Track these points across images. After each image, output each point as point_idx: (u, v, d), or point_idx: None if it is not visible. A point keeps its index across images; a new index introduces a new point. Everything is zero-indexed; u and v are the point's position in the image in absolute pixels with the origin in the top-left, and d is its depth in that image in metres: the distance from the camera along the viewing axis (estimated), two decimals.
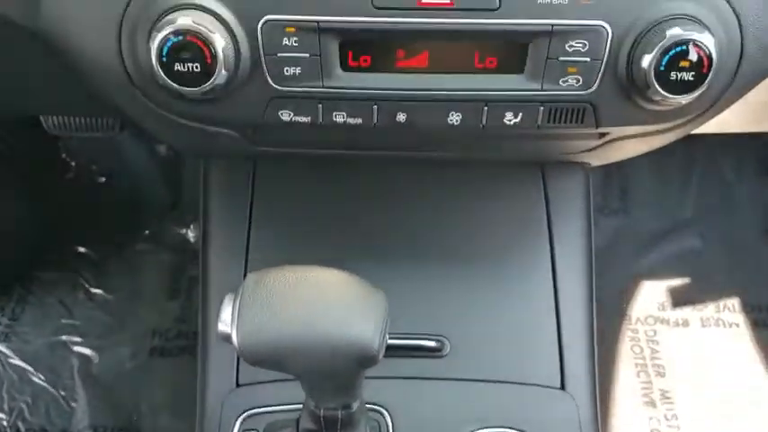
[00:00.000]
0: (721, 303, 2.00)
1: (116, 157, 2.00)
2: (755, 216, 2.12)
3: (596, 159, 1.27)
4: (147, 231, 2.08)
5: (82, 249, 2.04)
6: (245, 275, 0.91)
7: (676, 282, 2.04)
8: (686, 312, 2.00)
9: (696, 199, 2.14)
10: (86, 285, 1.99)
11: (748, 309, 1.99)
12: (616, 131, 1.04)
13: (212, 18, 0.89)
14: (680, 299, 2.02)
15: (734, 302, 2.00)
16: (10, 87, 1.29)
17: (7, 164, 1.90)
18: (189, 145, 1.27)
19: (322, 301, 0.82)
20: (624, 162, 1.30)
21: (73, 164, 2.08)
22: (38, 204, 2.03)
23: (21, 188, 1.98)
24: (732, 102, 1.01)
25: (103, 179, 2.09)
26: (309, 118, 0.98)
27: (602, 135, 1.06)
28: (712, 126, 1.12)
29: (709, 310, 1.99)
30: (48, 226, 2.05)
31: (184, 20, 0.87)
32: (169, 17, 0.88)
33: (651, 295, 2.02)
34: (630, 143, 1.11)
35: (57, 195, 2.07)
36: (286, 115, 0.98)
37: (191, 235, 2.06)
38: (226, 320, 0.82)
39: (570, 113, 0.96)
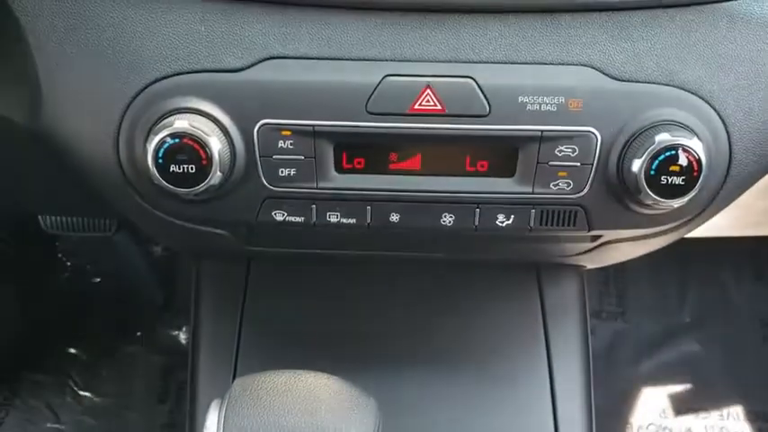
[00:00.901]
0: (725, 411, 1.95)
1: (111, 257, 2.00)
2: (754, 320, 2.10)
3: (591, 262, 1.26)
4: (138, 333, 2.05)
5: (72, 350, 2.01)
6: (233, 380, 0.89)
7: (677, 388, 2.00)
8: (689, 420, 1.95)
9: (694, 302, 2.13)
10: (75, 388, 1.95)
11: (752, 417, 1.94)
12: (609, 234, 1.04)
13: (209, 121, 0.90)
14: (682, 406, 1.98)
15: (737, 410, 1.95)
16: (9, 188, 1.31)
17: (1, 263, 1.90)
18: (182, 245, 1.28)
19: (310, 411, 0.79)
20: (621, 265, 1.30)
21: (68, 264, 2.08)
22: (29, 304, 2.01)
23: (13, 287, 1.96)
24: (724, 205, 1.02)
25: (98, 279, 2.08)
26: (303, 218, 0.98)
27: (596, 238, 1.06)
28: (706, 230, 1.13)
29: (712, 418, 1.94)
30: (38, 326, 2.02)
31: (181, 123, 0.89)
32: (167, 120, 0.89)
33: (652, 401, 1.98)
34: (625, 246, 1.11)
35: (49, 295, 2.06)
36: (279, 215, 0.98)
37: (182, 337, 2.03)
38: (211, 428, 0.79)
39: (562, 216, 0.97)
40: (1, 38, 0.98)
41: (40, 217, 1.55)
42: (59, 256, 2.09)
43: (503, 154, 0.94)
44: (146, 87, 0.91)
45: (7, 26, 0.94)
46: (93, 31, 0.91)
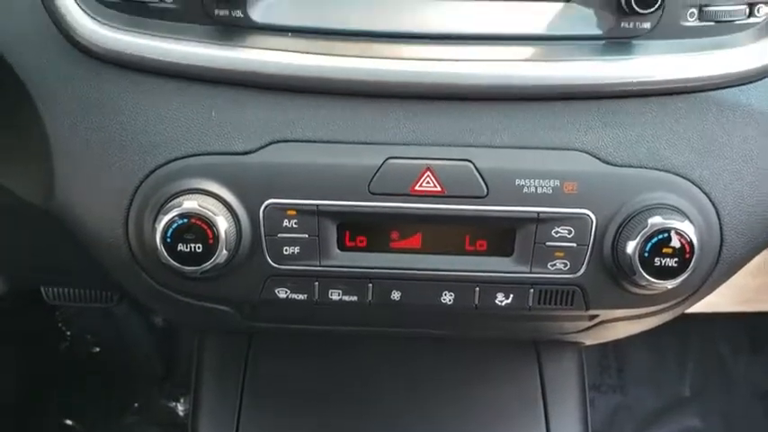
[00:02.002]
0: None
1: (112, 327, 2.00)
2: (754, 393, 2.09)
3: (589, 339, 1.28)
4: (136, 404, 2.03)
5: (69, 422, 1.99)
6: None
7: None
8: None
9: (693, 376, 2.12)
10: None
11: None
12: (606, 314, 1.06)
13: (216, 201, 0.93)
14: None
15: None
16: (14, 261, 1.33)
17: (1, 333, 1.90)
18: (185, 320, 1.29)
19: None
20: (620, 339, 1.31)
21: (68, 333, 2.08)
22: (28, 375, 2.00)
23: (11, 358, 1.96)
24: (717, 285, 1.04)
25: (98, 349, 2.08)
26: (306, 295, 1.00)
27: (593, 317, 1.08)
28: (703, 306, 1.14)
29: None
30: (35, 395, 2.01)
31: (190, 203, 0.92)
32: (175, 201, 0.92)
33: None
34: (622, 324, 1.13)
35: (48, 364, 2.05)
36: (283, 293, 1.00)
37: (180, 408, 2.01)
38: None
39: (560, 296, 0.99)
40: (17, 118, 1.02)
41: (42, 288, 1.56)
42: (59, 325, 2.09)
43: (501, 234, 0.97)
44: (156, 169, 0.94)
45: (23, 107, 0.98)
46: (108, 116, 0.95)
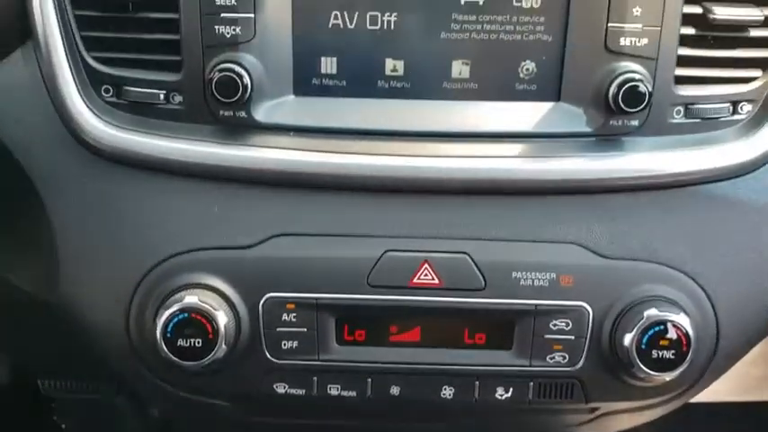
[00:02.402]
0: None
1: (108, 419, 1.97)
2: None
3: (592, 431, 1.26)
4: None
5: None
6: None
7: None
8: None
9: None
10: None
11: None
12: (606, 406, 1.06)
13: (217, 296, 0.95)
14: None
15: None
16: (12, 351, 1.33)
17: None
18: (183, 413, 1.28)
19: None
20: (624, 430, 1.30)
21: (63, 426, 2.04)
22: None
23: None
24: (717, 376, 1.04)
25: None
26: (304, 390, 1.00)
27: (594, 409, 1.07)
28: (705, 395, 1.14)
29: None
30: None
31: (191, 298, 0.93)
32: (177, 296, 0.94)
33: None
34: (623, 416, 1.12)
35: None
36: (281, 388, 1.00)
37: None
38: None
39: (559, 389, 0.99)
40: (23, 213, 1.04)
41: (39, 381, 1.55)
42: (54, 417, 2.05)
43: (500, 327, 0.98)
44: (159, 264, 0.96)
45: (30, 203, 1.01)
46: (113, 212, 0.98)
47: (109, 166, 0.97)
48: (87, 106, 0.97)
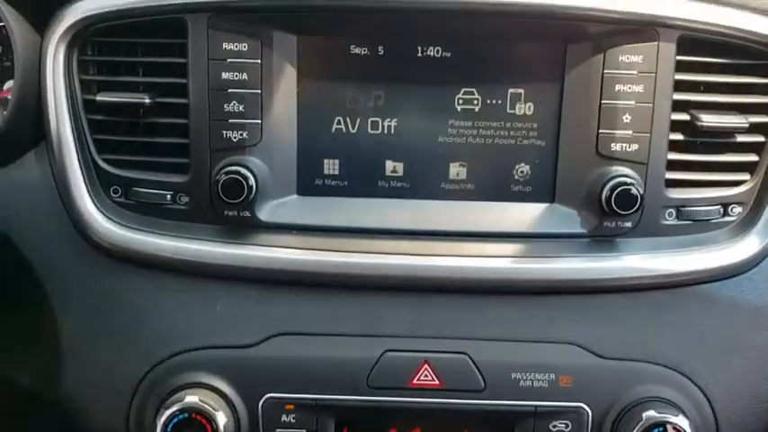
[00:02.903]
0: None
1: None
2: None
3: None
4: None
5: None
6: None
7: None
8: None
9: None
10: None
11: None
12: None
13: (217, 396, 0.95)
14: None
15: None
16: None
17: None
18: None
19: None
20: None
21: None
22: None
23: None
24: None
25: None
26: None
27: None
28: None
29: None
30: None
31: (192, 398, 0.93)
32: (177, 395, 0.94)
33: None
34: None
35: None
36: None
37: None
38: None
39: None
40: (29, 311, 1.05)
41: None
42: None
43: (500, 429, 0.98)
44: (160, 363, 0.97)
45: (36, 301, 1.02)
46: (118, 311, 0.99)
47: (115, 265, 0.99)
48: (97, 207, 1.00)
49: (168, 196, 1.00)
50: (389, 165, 1.03)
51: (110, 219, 1.00)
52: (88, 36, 0.99)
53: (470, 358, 0.96)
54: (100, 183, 1.01)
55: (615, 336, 0.97)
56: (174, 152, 1.00)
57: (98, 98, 0.98)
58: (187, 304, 0.98)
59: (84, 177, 1.00)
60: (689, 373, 0.97)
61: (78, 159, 0.99)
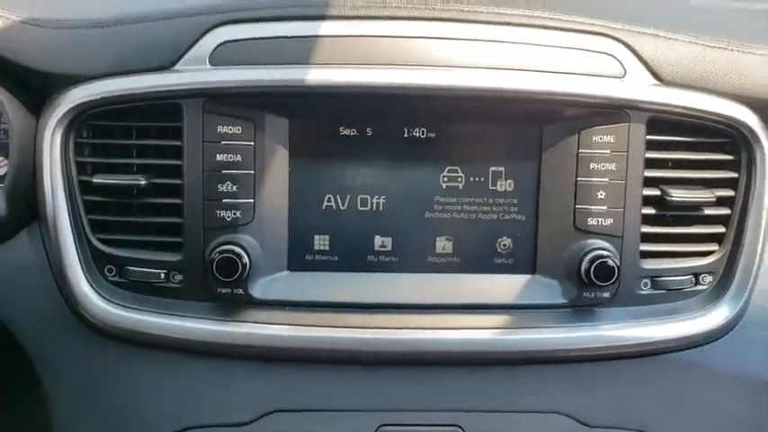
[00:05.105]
0: None
1: None
2: None
3: None
4: None
5: None
6: None
7: None
8: None
9: None
10: None
11: None
12: None
13: None
14: None
15: None
16: None
17: None
18: None
19: None
20: None
21: None
22: None
23: None
24: None
25: None
26: None
27: None
28: None
29: None
30: None
31: None
32: None
33: None
34: None
35: None
36: None
37: None
38: None
39: None
40: (14, 389, 1.05)
41: None
42: None
43: None
44: None
45: (23, 379, 1.02)
46: (111, 389, 1.00)
47: (108, 344, 1.01)
48: (92, 286, 1.01)
49: (162, 275, 1.02)
50: (378, 240, 1.06)
51: (104, 298, 1.01)
52: (84, 119, 1.02)
53: (463, 431, 0.98)
54: (95, 262, 1.03)
55: (600, 404, 1.01)
56: (167, 231, 1.03)
57: (95, 180, 1.01)
58: (181, 382, 1.00)
59: (79, 257, 1.01)
60: None
61: (74, 239, 1.01)
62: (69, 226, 1.01)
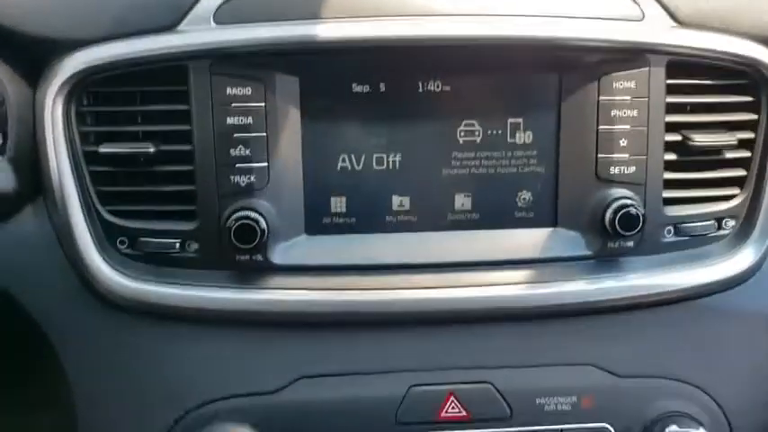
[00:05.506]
0: None
1: None
2: None
3: None
4: None
5: None
6: None
7: None
8: None
9: None
10: None
11: None
12: None
13: None
14: None
15: None
16: None
17: None
18: None
19: None
20: None
21: None
22: None
23: None
24: None
25: None
26: None
27: None
28: None
29: None
30: None
31: None
32: None
33: None
34: None
35: None
36: None
37: None
38: None
39: None
40: (34, 367, 1.02)
41: None
42: None
43: None
44: (183, 417, 0.95)
45: (47, 359, 0.99)
46: (132, 364, 0.97)
47: (126, 318, 0.98)
48: (104, 260, 0.98)
49: (177, 245, 0.99)
50: (396, 199, 1.04)
51: (118, 271, 0.98)
52: (85, 86, 0.98)
53: (494, 387, 0.97)
54: (105, 235, 0.99)
55: (630, 354, 1.00)
56: (180, 200, 0.99)
57: (101, 150, 0.97)
58: (205, 354, 0.97)
59: (89, 231, 0.98)
60: (702, 386, 1.01)
61: (83, 212, 0.97)
62: (77, 199, 0.97)
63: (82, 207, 0.97)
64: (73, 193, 0.97)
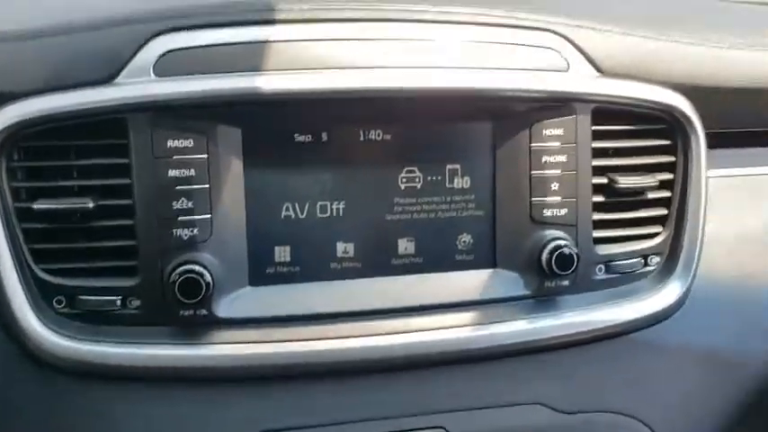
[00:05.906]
0: None
1: None
2: None
3: None
4: None
5: None
6: None
7: None
8: None
9: None
10: None
11: None
12: None
13: None
14: None
15: None
16: None
17: None
18: None
19: None
20: None
21: None
22: None
23: None
24: None
25: None
26: None
27: None
28: None
29: None
30: None
31: None
32: None
33: None
34: None
35: None
36: None
37: None
38: None
39: None
40: None
41: None
42: None
43: None
44: None
45: None
46: (74, 430, 0.93)
47: (69, 381, 0.93)
48: (40, 320, 0.93)
49: (118, 302, 0.96)
50: (340, 246, 1.04)
51: (55, 332, 0.94)
52: (16, 141, 0.94)
53: (447, 431, 0.98)
54: (41, 294, 0.95)
55: (573, 390, 1.04)
56: (120, 255, 0.96)
57: (35, 206, 0.93)
58: (158, 414, 0.94)
59: (24, 291, 0.93)
60: (641, 418, 1.05)
61: (16, 272, 0.93)
62: (10, 258, 0.93)
63: (15, 266, 0.93)
64: (5, 252, 0.93)
